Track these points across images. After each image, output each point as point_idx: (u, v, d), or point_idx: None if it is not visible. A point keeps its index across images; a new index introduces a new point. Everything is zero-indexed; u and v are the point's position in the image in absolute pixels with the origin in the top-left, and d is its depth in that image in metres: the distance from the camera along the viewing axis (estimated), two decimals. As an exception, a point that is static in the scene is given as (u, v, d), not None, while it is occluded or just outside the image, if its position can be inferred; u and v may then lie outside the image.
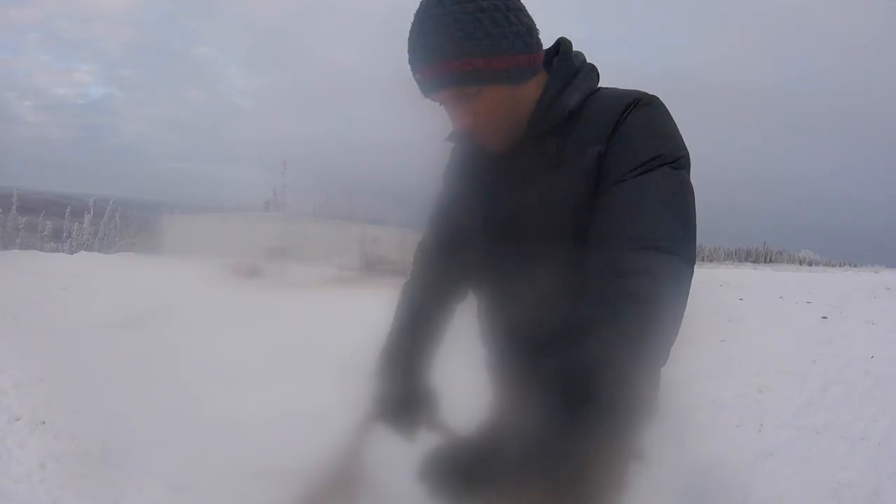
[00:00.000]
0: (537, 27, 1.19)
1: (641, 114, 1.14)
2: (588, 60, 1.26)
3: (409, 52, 1.17)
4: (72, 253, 25.02)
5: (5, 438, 3.47)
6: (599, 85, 1.25)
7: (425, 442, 1.46)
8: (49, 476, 3.04)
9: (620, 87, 1.22)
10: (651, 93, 1.17)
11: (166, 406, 3.83)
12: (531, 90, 1.20)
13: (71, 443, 3.42)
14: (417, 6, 1.16)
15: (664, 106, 1.17)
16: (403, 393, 1.46)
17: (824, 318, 11.06)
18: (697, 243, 1.13)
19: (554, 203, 1.17)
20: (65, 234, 34.83)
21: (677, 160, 1.11)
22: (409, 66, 1.19)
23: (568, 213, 1.16)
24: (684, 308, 1.07)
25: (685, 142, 1.16)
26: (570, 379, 1.02)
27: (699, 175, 1.17)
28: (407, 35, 1.17)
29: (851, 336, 8.60)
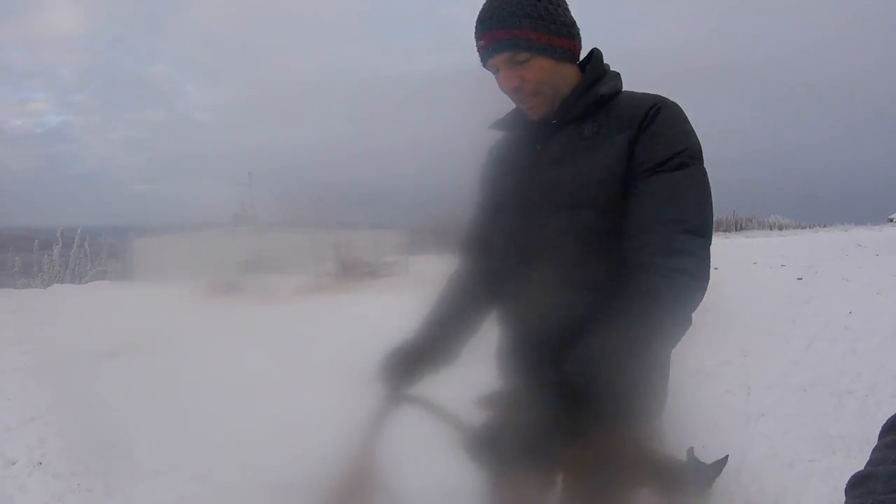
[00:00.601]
0: (577, 25, 1.46)
1: (668, 112, 1.37)
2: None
3: (477, 23, 1.42)
4: (45, 287, 24.57)
5: (3, 483, 3.41)
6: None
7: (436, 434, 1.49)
8: None
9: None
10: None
11: (163, 433, 3.81)
12: (570, 74, 1.46)
13: (71, 481, 3.37)
14: None
15: (684, 112, 1.39)
16: (409, 350, 1.59)
17: (799, 279, 11.28)
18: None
19: (587, 177, 1.38)
20: (35, 269, 34.09)
21: (697, 155, 1.35)
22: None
23: (602, 185, 1.36)
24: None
25: None
26: (633, 330, 1.25)
27: None
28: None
29: (828, 294, 8.79)
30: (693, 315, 1.33)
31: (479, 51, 1.45)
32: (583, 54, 1.49)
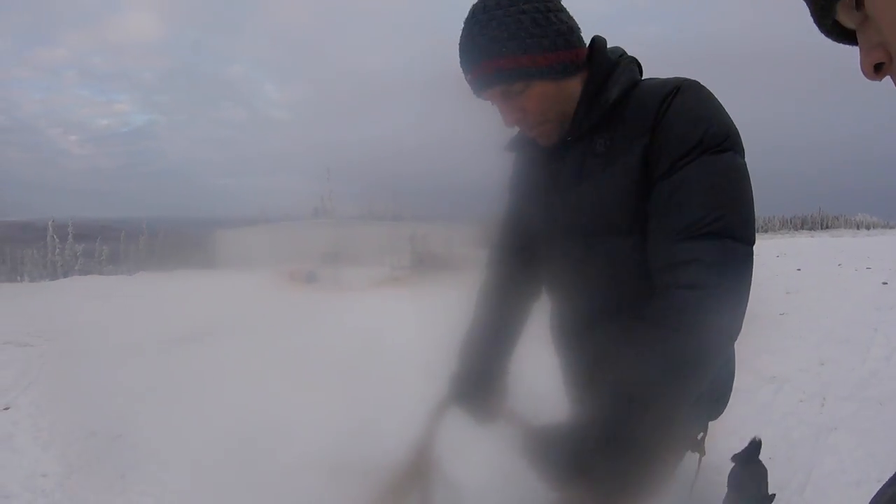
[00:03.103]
0: (578, 26, 1.25)
1: (680, 102, 1.15)
2: (620, 44, 1.31)
3: (459, 55, 1.25)
4: (130, 274, 25.77)
5: (84, 453, 3.71)
6: (645, 76, 1.29)
7: (498, 429, 1.50)
8: (129, 485, 3.24)
9: (662, 77, 1.24)
10: (691, 78, 1.19)
11: (236, 412, 3.97)
12: (575, 85, 1.26)
13: (147, 452, 3.62)
14: (466, 13, 1.24)
15: (705, 89, 1.18)
16: (480, 377, 1.50)
17: (885, 283, 10.75)
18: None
19: (607, 199, 1.22)
20: (122, 257, 35.83)
21: (720, 144, 1.12)
22: (459, 69, 1.25)
23: (621, 207, 1.20)
24: (747, 286, 1.11)
25: (731, 118, 1.16)
26: (641, 376, 1.08)
27: (745, 145, 1.17)
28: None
29: (915, 301, 8.36)
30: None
31: (468, 83, 1.27)
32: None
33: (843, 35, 0.61)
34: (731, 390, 1.40)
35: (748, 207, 1.12)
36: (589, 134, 1.25)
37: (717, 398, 1.38)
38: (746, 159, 1.16)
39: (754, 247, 1.13)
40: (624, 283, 1.24)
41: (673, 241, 1.11)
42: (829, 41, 0.63)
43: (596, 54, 1.27)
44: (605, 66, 1.25)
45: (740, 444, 2.21)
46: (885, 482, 0.69)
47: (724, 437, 3.44)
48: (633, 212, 1.19)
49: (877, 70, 0.58)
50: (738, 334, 1.13)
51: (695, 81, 1.18)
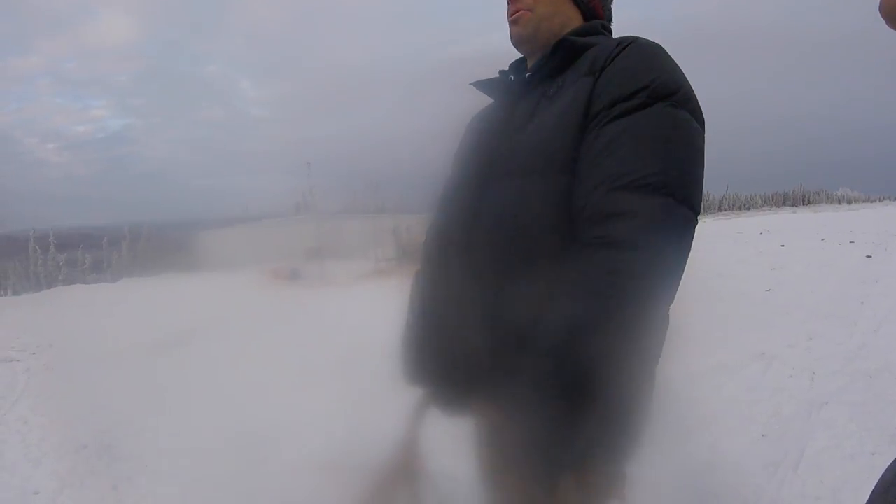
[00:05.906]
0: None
1: (635, 48, 1.08)
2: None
3: None
4: (114, 282, 25.55)
5: (76, 467, 3.62)
6: None
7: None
8: (122, 498, 3.17)
9: None
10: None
11: (225, 417, 3.90)
12: (569, 19, 1.27)
13: (139, 464, 3.55)
14: None
15: (666, 51, 1.09)
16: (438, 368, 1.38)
17: (868, 256, 10.84)
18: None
19: (541, 138, 1.10)
20: (105, 265, 35.50)
21: (672, 95, 1.02)
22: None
23: (553, 148, 1.08)
24: (685, 256, 0.99)
25: (696, 90, 1.07)
26: (557, 352, 0.97)
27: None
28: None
29: (899, 273, 8.41)
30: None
31: None
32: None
33: None
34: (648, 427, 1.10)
35: (696, 172, 1.01)
36: (549, 77, 1.19)
37: (631, 435, 1.08)
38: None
39: (709, 220, 1.04)
40: (548, 226, 1.07)
41: (607, 188, 0.98)
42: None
43: (593, 22, 1.28)
44: (592, 27, 1.26)
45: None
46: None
47: (718, 417, 3.47)
48: (567, 148, 1.06)
49: None
50: (669, 305, 1.01)
51: (659, 44, 1.10)
